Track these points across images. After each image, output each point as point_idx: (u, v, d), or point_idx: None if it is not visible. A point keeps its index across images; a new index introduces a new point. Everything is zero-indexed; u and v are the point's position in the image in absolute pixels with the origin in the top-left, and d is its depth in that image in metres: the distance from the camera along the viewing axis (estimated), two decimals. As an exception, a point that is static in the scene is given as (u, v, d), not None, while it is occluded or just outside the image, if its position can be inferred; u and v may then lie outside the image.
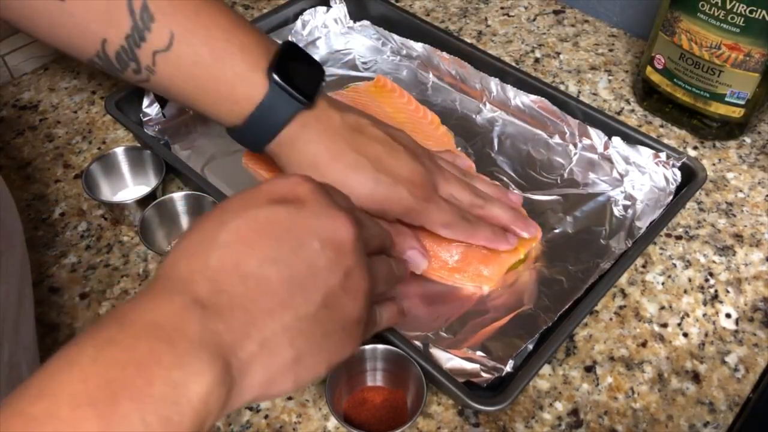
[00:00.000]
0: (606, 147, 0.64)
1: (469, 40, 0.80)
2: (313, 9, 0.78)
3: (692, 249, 0.61)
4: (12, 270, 0.45)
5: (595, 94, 0.75)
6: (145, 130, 0.66)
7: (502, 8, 0.86)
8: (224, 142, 0.67)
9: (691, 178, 0.61)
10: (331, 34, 0.79)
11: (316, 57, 0.77)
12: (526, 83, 0.68)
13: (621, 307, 0.57)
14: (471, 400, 0.46)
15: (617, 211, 0.61)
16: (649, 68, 0.70)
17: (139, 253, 0.60)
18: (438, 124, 0.68)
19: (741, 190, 0.65)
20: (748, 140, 0.70)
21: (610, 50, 0.80)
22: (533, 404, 0.51)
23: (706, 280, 0.59)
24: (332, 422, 0.50)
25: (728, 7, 0.59)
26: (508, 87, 0.69)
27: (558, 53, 0.80)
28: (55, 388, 0.27)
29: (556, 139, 0.67)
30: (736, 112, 0.66)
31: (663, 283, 0.58)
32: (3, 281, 0.43)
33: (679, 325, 0.56)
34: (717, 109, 0.66)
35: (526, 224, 0.57)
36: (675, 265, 0.60)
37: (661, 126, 0.71)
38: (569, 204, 0.62)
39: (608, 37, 0.82)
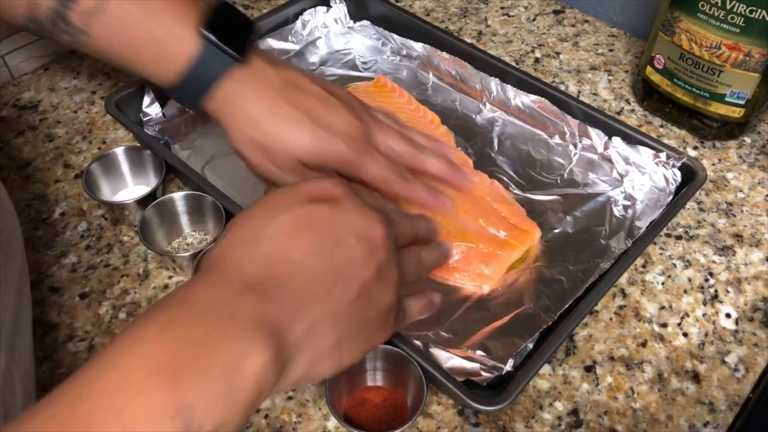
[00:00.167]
0: (606, 147, 0.64)
1: (469, 40, 0.80)
2: (313, 9, 0.78)
3: (692, 249, 0.61)
4: (10, 281, 0.45)
5: (595, 94, 0.75)
6: (145, 130, 0.66)
7: (502, 8, 0.86)
8: (224, 142, 0.67)
9: (691, 178, 0.61)
10: (331, 34, 0.79)
11: (316, 57, 0.77)
12: (526, 83, 0.68)
13: (621, 307, 0.57)
14: (471, 400, 0.46)
15: (617, 211, 0.61)
16: (649, 68, 0.70)
17: (139, 253, 0.60)
18: (438, 123, 0.68)
19: (741, 190, 0.65)
20: (748, 140, 0.70)
21: (610, 50, 0.80)
22: (533, 404, 0.51)
23: (706, 280, 0.59)
24: (332, 422, 0.50)
25: (728, 7, 0.59)
26: (508, 87, 0.69)
27: (558, 53, 0.80)
28: (124, 362, 0.30)
29: (556, 139, 0.67)
30: (736, 112, 0.66)
31: (663, 283, 0.58)
32: (1, 293, 0.43)
33: (679, 325, 0.56)
34: (717, 109, 0.66)
35: (461, 176, 0.59)
36: (675, 265, 0.60)
37: (661, 126, 0.71)
38: (569, 204, 0.62)
39: (608, 37, 0.82)
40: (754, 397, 0.52)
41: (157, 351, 0.30)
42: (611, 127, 0.64)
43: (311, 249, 0.38)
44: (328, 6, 0.79)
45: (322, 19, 0.79)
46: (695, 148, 0.69)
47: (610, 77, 0.76)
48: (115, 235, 0.62)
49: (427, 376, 0.48)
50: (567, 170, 0.65)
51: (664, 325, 0.55)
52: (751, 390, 0.52)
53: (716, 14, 0.60)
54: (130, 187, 0.64)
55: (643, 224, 0.59)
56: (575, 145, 0.66)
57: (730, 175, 0.67)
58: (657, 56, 0.68)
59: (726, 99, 0.65)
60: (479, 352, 0.51)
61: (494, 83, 0.70)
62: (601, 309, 0.56)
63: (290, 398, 0.51)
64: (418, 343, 0.52)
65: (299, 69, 0.57)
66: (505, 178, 0.64)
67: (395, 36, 0.77)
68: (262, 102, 0.53)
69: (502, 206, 0.59)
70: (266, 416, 0.50)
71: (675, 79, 0.67)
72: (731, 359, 0.54)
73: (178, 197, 0.60)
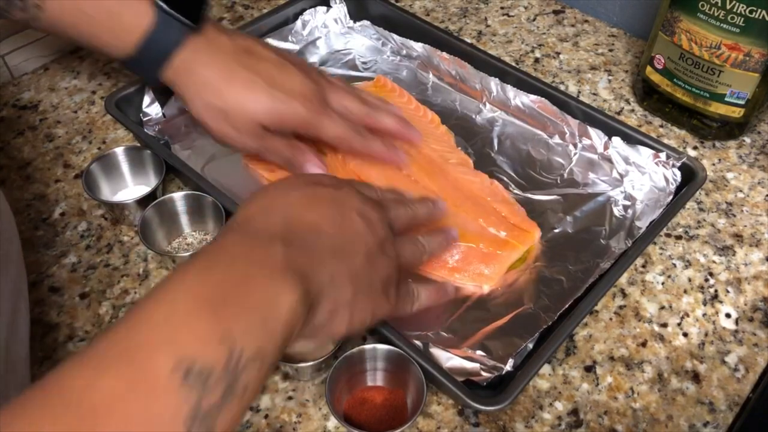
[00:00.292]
0: (606, 147, 0.64)
1: (469, 40, 0.80)
2: (313, 9, 0.78)
3: (692, 249, 0.61)
4: (5, 288, 0.44)
5: (595, 94, 0.75)
6: (145, 130, 0.66)
7: (502, 8, 0.86)
8: (224, 142, 0.67)
9: (691, 178, 0.61)
10: (331, 34, 0.79)
11: (316, 57, 0.77)
12: (526, 83, 0.68)
13: (621, 307, 0.57)
14: (471, 400, 0.46)
15: (617, 211, 0.61)
16: (649, 68, 0.70)
17: (139, 252, 0.60)
18: (438, 123, 0.68)
19: (741, 190, 0.65)
20: (747, 140, 0.70)
21: (610, 50, 0.80)
22: (533, 404, 0.51)
23: (706, 280, 0.59)
24: (332, 422, 0.50)
25: (728, 7, 0.59)
26: (508, 87, 0.69)
27: (558, 53, 0.80)
28: (170, 299, 0.32)
29: (556, 139, 0.67)
30: (736, 112, 0.66)
31: (663, 283, 0.58)
32: None
33: (679, 324, 0.56)
34: (717, 109, 0.66)
35: (414, 132, 0.62)
36: (675, 265, 0.60)
37: (661, 126, 0.71)
38: (569, 204, 0.62)
39: (608, 37, 0.82)
40: (754, 397, 0.52)
41: (199, 289, 0.33)
42: (611, 127, 0.64)
43: (322, 216, 0.42)
44: (328, 6, 0.79)
45: (322, 19, 0.79)
46: (695, 148, 0.69)
47: (610, 77, 0.76)
48: (115, 235, 0.62)
49: (427, 376, 0.48)
50: (567, 170, 0.65)
51: (664, 325, 0.55)
52: (751, 390, 0.52)
53: (716, 14, 0.60)
54: (130, 187, 0.64)
55: (643, 224, 0.59)
56: (575, 145, 0.66)
57: (730, 175, 0.67)
58: (657, 56, 0.68)
59: (726, 99, 0.65)
60: (479, 352, 0.51)
61: (494, 83, 0.70)
62: (601, 309, 0.56)
63: (290, 398, 0.51)
64: (418, 343, 0.52)
65: (252, 36, 0.59)
66: (505, 178, 0.64)
67: (395, 36, 0.77)
68: (220, 69, 0.55)
69: (502, 206, 0.59)
70: (266, 416, 0.50)
71: (675, 79, 0.67)
72: (731, 359, 0.54)
73: (178, 197, 0.60)
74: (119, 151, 0.63)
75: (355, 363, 0.49)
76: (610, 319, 0.56)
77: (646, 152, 0.62)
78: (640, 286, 0.58)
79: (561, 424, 0.50)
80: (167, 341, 0.31)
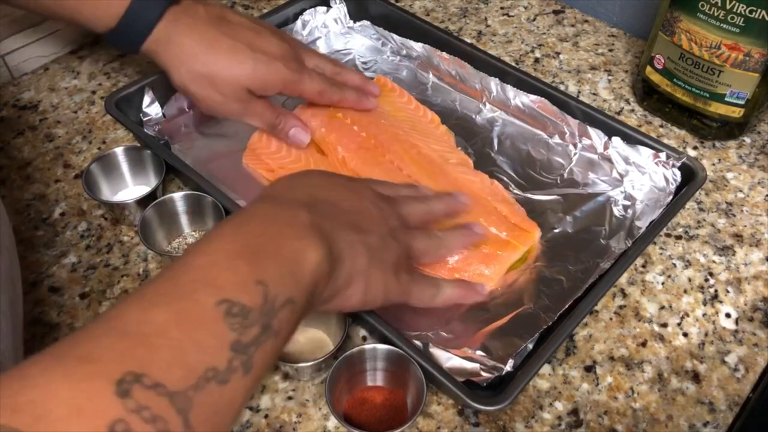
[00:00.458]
0: (606, 147, 0.64)
1: (469, 40, 0.80)
2: (313, 9, 0.78)
3: (692, 249, 0.61)
4: None
5: (594, 94, 0.75)
6: (145, 130, 0.66)
7: (502, 8, 0.86)
8: (224, 142, 0.67)
9: (690, 178, 0.61)
10: (331, 34, 0.79)
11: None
12: (526, 83, 0.68)
13: (621, 307, 0.57)
14: (471, 400, 0.46)
15: (617, 211, 0.61)
16: (648, 68, 0.70)
17: (139, 253, 0.60)
18: (438, 123, 0.68)
19: (741, 190, 0.65)
20: (747, 140, 0.70)
21: (610, 50, 0.80)
22: (533, 404, 0.51)
23: (706, 280, 0.59)
24: (332, 422, 0.50)
25: (728, 7, 0.59)
26: (508, 87, 0.69)
27: (558, 53, 0.80)
28: (211, 249, 0.36)
29: (556, 139, 0.67)
30: (736, 112, 0.66)
31: (663, 283, 0.58)
32: None
33: (678, 324, 0.56)
34: (717, 109, 0.66)
35: (373, 86, 0.66)
36: (675, 265, 0.60)
37: (661, 126, 0.71)
38: (569, 204, 0.62)
39: (608, 37, 0.82)
40: (754, 397, 0.52)
41: (235, 242, 0.36)
42: (611, 127, 0.64)
43: (340, 196, 0.45)
44: (328, 6, 0.79)
45: (322, 19, 0.79)
46: (695, 148, 0.69)
47: (610, 77, 0.76)
48: (115, 235, 0.62)
49: (427, 376, 0.48)
50: (567, 170, 0.65)
51: (664, 325, 0.55)
52: (751, 390, 0.52)
53: (716, 14, 0.60)
54: (130, 187, 0.64)
55: (643, 224, 0.59)
56: (575, 145, 0.66)
57: (729, 175, 0.67)
58: (657, 56, 0.68)
59: (726, 99, 0.65)
60: (479, 352, 0.51)
61: (494, 83, 0.70)
62: (601, 309, 0.56)
63: (290, 398, 0.51)
64: (418, 343, 0.52)
65: (222, 5, 0.62)
66: (505, 178, 0.64)
67: (395, 36, 0.77)
68: (201, 37, 0.57)
69: (503, 206, 0.59)
70: (266, 416, 0.50)
71: (675, 79, 0.67)
72: (731, 359, 0.54)
73: (178, 197, 0.60)
74: (119, 151, 0.63)
75: (355, 363, 0.50)
76: (610, 319, 0.56)
77: (646, 152, 0.62)
78: (640, 286, 0.58)
79: (561, 424, 0.50)
80: (209, 283, 0.34)
